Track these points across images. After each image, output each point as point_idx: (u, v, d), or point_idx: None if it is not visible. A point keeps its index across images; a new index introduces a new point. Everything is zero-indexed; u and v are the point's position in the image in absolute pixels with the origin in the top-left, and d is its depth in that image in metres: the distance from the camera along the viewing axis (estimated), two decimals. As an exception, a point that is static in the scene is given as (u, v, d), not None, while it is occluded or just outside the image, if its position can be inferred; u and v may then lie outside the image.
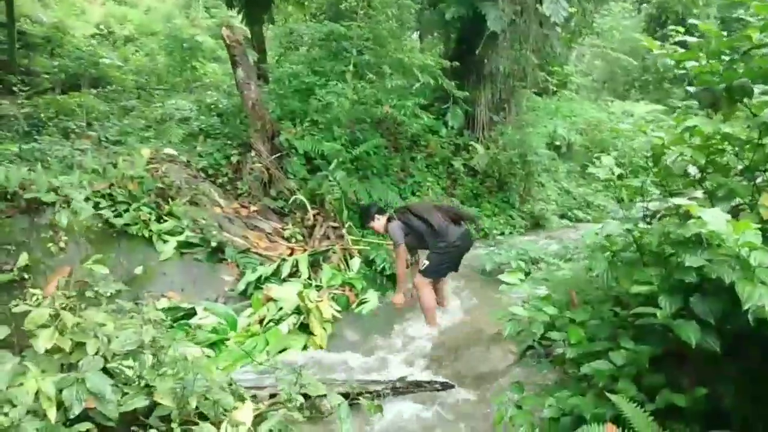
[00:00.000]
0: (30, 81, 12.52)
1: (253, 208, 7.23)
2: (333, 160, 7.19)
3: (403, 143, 9.97)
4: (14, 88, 9.17)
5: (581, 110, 15.48)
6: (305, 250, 6.27)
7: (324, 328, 4.60)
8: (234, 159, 7.92)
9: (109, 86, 13.14)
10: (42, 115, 9.64)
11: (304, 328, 4.52)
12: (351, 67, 7.68)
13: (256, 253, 5.98)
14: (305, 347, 4.36)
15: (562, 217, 10.40)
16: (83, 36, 16.83)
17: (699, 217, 1.72)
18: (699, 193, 2.67)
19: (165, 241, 5.43)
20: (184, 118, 9.15)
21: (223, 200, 6.91)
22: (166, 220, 5.63)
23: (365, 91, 7.49)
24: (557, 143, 12.24)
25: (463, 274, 5.85)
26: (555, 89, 16.94)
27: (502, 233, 9.21)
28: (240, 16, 12.87)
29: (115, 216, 5.32)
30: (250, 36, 12.80)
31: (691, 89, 2.57)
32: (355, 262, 6.08)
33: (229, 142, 8.23)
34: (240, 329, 4.55)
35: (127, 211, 5.40)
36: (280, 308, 4.66)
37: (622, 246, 2.66)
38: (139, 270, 5.21)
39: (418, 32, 15.16)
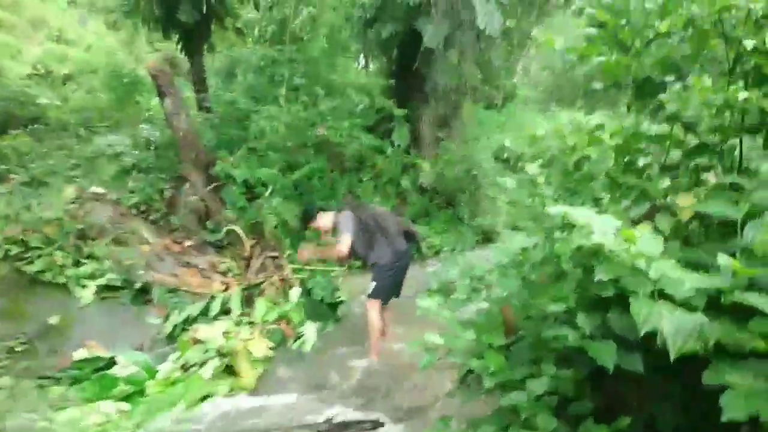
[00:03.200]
0: (-40, 125, 11.98)
1: (187, 243, 6.88)
2: (269, 187, 6.92)
3: (350, 165, 9.77)
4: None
5: (530, 122, 15.57)
6: (242, 284, 5.95)
7: (254, 369, 4.28)
8: (167, 193, 7.58)
9: (46, 126, 12.70)
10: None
11: (232, 369, 4.19)
12: (283, 91, 7.46)
13: (188, 292, 5.62)
14: (231, 391, 4.02)
15: (514, 229, 10.27)
16: (19, 77, 16.25)
17: (585, 226, 1.52)
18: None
19: (83, 286, 5.05)
20: (117, 154, 8.76)
21: (153, 237, 6.55)
22: (85, 264, 5.25)
23: (299, 114, 7.27)
24: (506, 156, 12.22)
25: (406, 295, 5.59)
26: (502, 102, 17.09)
27: (453, 249, 9.04)
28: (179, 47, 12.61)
29: (27, 263, 4.92)
30: (190, 66, 12.58)
31: (598, 85, 2.41)
32: (294, 293, 5.76)
33: (162, 175, 7.89)
34: (163, 376, 4.19)
35: (40, 257, 5.00)
36: (207, 350, 4.32)
37: (541, 260, 2.46)
38: (54, 320, 4.81)
39: (363, 54, 15.08)
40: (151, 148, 9.01)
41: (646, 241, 1.47)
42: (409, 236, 4.80)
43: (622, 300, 1.91)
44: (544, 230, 2.58)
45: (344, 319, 5.77)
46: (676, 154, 2.59)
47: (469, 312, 3.32)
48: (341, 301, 5.80)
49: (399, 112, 9.07)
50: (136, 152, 8.75)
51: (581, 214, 1.51)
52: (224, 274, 6.44)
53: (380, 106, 10.07)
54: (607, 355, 1.74)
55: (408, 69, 10.12)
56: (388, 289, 4.58)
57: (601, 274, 1.74)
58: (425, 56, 9.69)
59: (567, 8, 19.68)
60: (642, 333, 1.35)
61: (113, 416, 3.56)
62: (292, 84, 7.66)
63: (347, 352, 4.77)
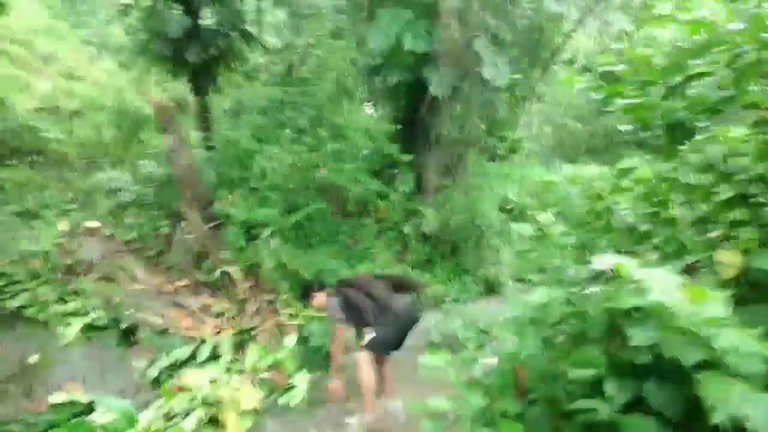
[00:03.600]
0: (-35, 158, 11.92)
1: (181, 282, 6.64)
2: (269, 228, 6.72)
3: (352, 209, 9.61)
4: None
5: (533, 175, 15.54)
6: (235, 327, 5.67)
7: (242, 422, 3.97)
8: (164, 230, 7.39)
9: (51, 160, 12.78)
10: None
11: (218, 421, 3.88)
12: (288, 132, 7.35)
13: (177, 334, 5.35)
14: (214, 448, 3.71)
15: (518, 280, 10.05)
16: (26, 111, 16.33)
17: (637, 282, 1.29)
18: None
19: (67, 324, 4.78)
20: (114, 189, 8.61)
21: (146, 275, 6.32)
22: (70, 301, 4.99)
23: (302, 155, 7.13)
24: (509, 207, 12.09)
25: (407, 347, 5.32)
26: (506, 154, 17.09)
27: (456, 299, 8.78)
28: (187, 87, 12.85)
29: (9, 297, 4.67)
30: (199, 106, 12.73)
31: (627, 127, 2.24)
32: (290, 340, 5.47)
33: (159, 212, 7.71)
34: (143, 426, 3.87)
35: (24, 291, 4.75)
36: (192, 399, 4.02)
37: (560, 317, 2.23)
38: (33, 359, 4.53)
39: (372, 102, 15.16)
40: (151, 184, 8.88)
41: (713, 303, 1.24)
42: (408, 287, 4.57)
43: (659, 368, 1.68)
44: (563, 284, 2.37)
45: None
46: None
47: (476, 370, 3.06)
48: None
49: (404, 158, 8.96)
50: (136, 188, 8.61)
51: (634, 267, 1.30)
52: (218, 316, 6.18)
53: (386, 152, 10.00)
54: (646, 435, 1.49)
55: (414, 117, 10.10)
56: (388, 343, 4.31)
57: (637, 338, 1.52)
58: (431, 105, 9.67)
59: (571, 65, 20.00)
60: (717, 420, 1.11)
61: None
62: (296, 126, 7.56)
63: (345, 408, 4.45)
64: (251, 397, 4.20)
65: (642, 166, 2.09)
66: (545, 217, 2.94)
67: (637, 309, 1.59)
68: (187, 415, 3.87)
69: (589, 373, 1.87)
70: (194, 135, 13.05)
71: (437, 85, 9.23)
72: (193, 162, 7.42)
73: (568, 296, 2.26)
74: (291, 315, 6.03)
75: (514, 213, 11.77)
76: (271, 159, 7.12)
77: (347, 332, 4.45)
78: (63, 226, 6.39)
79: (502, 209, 11.51)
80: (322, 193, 8.47)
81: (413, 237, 9.61)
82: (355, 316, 4.36)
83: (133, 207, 8.01)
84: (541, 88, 17.48)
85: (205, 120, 12.35)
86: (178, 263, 7.00)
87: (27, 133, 13.47)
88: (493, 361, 3.86)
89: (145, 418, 4.04)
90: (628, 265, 1.30)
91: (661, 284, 1.24)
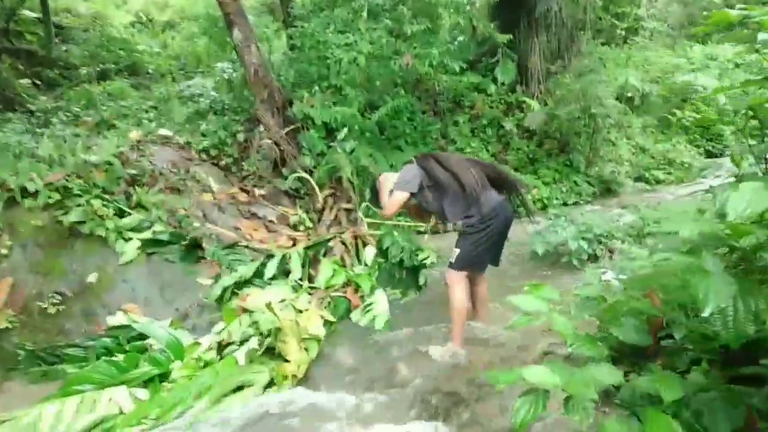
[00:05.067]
0: (68, 74, 12.24)
1: (258, 191, 6.15)
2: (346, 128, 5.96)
3: (444, 105, 8.61)
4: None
5: (656, 58, 13.45)
6: (311, 239, 5.11)
7: (306, 349, 3.39)
8: (240, 136, 6.85)
9: (147, 73, 12.97)
10: (73, 106, 9.17)
11: (275, 351, 3.32)
12: (364, 14, 6.34)
13: (248, 248, 4.87)
14: (270, 383, 3.15)
15: (638, 179, 8.72)
16: (122, 25, 16.49)
17: None
18: None
19: (127, 240, 4.40)
20: (192, 95, 8.17)
21: (219, 185, 5.85)
22: (130, 214, 4.59)
23: (381, 41, 6.14)
24: (629, 95, 10.43)
25: (508, 261, 4.50)
26: (624, 36, 14.89)
27: (565, 203, 7.73)
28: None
29: (65, 213, 4.33)
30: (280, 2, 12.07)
31: None
32: (369, 252, 4.81)
33: (236, 117, 7.17)
34: (196, 356, 3.41)
35: (79, 205, 4.39)
36: (252, 323, 3.50)
37: (762, 240, 1.28)
38: (92, 277, 4.21)
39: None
40: (229, 89, 8.36)
41: None
42: (506, 186, 3.60)
43: None
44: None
45: (426, 286, 4.76)
46: None
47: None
48: (424, 265, 4.77)
49: (502, 37, 7.68)
50: (213, 94, 8.12)
51: None
52: (294, 227, 5.66)
53: (481, 38, 8.74)
54: None
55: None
56: (478, 257, 3.44)
57: None
58: (535, -26, 8.20)
59: None
60: None
61: (117, 412, 2.82)
62: (374, 5, 6.52)
63: (423, 333, 3.76)
64: (317, 321, 3.62)
65: None
66: (704, 79, 1.85)
67: None
68: (243, 342, 3.37)
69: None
70: (281, 34, 12.40)
71: (543, -52, 7.72)
72: (264, 59, 6.70)
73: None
74: (372, 224, 5.35)
75: (635, 101, 10.14)
76: (346, 48, 6.21)
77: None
78: (134, 135, 6.01)
79: (620, 98, 9.92)
80: (408, 87, 7.50)
81: (515, 134, 8.51)
82: (434, 198, 3.49)
83: (212, 113, 7.54)
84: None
85: (288, 18, 11.64)
86: (256, 171, 6.50)
87: (121, 46, 13.61)
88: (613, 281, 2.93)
89: (205, 343, 3.61)
90: None
91: None
